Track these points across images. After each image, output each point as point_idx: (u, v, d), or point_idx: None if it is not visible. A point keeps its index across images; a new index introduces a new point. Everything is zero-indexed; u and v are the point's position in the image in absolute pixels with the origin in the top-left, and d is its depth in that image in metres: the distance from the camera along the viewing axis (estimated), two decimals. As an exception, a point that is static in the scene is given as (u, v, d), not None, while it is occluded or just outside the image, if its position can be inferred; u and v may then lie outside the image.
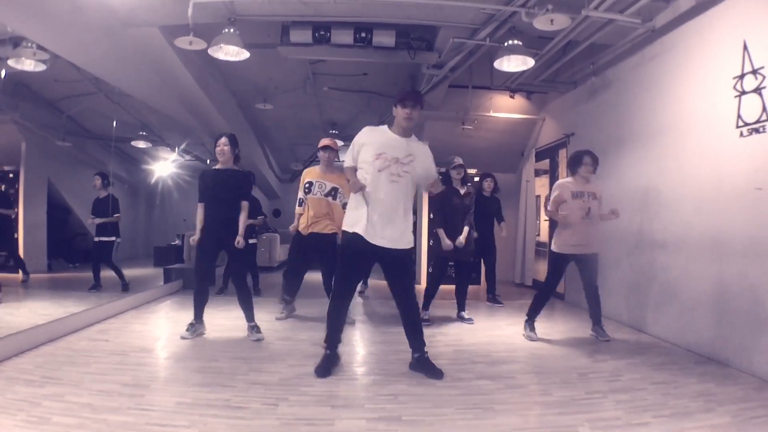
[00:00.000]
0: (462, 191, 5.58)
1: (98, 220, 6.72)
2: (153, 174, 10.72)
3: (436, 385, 3.51)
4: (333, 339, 3.82)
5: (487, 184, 6.94)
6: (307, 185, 5.31)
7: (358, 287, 4.71)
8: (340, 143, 6.65)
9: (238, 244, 4.60)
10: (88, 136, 8.54)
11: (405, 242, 3.70)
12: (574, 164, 4.91)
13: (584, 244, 4.82)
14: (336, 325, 3.81)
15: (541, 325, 5.11)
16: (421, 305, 5.12)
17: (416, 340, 3.82)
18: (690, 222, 4.66)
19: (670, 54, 5.03)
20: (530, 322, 4.97)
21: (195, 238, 4.66)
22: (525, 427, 2.83)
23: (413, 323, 3.85)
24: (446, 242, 5.35)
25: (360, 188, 3.59)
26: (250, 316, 4.79)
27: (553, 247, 4.93)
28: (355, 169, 3.71)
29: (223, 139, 4.72)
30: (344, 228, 3.74)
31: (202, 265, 4.75)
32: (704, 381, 3.68)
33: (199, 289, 4.77)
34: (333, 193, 5.28)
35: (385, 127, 3.78)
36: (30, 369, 3.56)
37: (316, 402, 3.13)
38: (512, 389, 3.46)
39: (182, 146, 10.50)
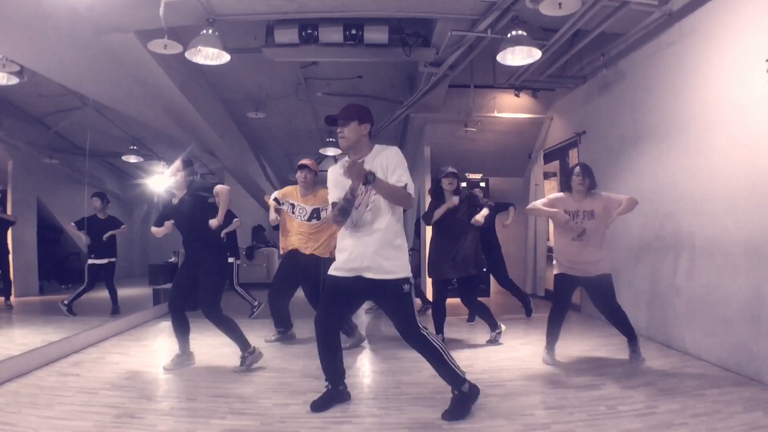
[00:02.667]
0: (455, 203, 5.04)
1: (106, 235, 6.62)
2: (147, 189, 10.43)
3: (443, 427, 3.03)
4: (328, 372, 3.38)
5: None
6: (291, 205, 5.13)
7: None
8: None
9: (211, 225, 4.31)
10: (76, 152, 8.25)
11: (387, 273, 3.15)
12: (566, 179, 4.50)
13: (582, 262, 4.31)
14: (326, 356, 3.34)
15: (559, 344, 4.62)
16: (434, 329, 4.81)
17: (447, 380, 3.28)
18: (722, 224, 4.19)
19: (691, 39, 4.60)
20: (549, 347, 4.47)
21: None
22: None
23: (432, 363, 3.27)
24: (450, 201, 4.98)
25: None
26: (241, 346, 4.33)
27: (554, 270, 4.52)
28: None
29: (176, 163, 4.45)
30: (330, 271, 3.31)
31: (174, 291, 4.46)
32: (751, 409, 3.22)
33: (173, 318, 4.39)
34: (315, 214, 5.07)
35: (345, 159, 3.33)
36: (-12, 412, 3.17)
37: (298, 455, 2.67)
38: (532, 431, 2.97)
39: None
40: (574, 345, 4.95)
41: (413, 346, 3.23)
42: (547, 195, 8.06)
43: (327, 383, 3.38)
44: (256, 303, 6.98)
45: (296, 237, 5.08)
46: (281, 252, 5.36)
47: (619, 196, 4.39)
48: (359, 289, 3.19)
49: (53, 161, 7.69)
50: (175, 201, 4.44)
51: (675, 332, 4.77)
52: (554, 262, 4.53)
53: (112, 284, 6.71)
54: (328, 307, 3.28)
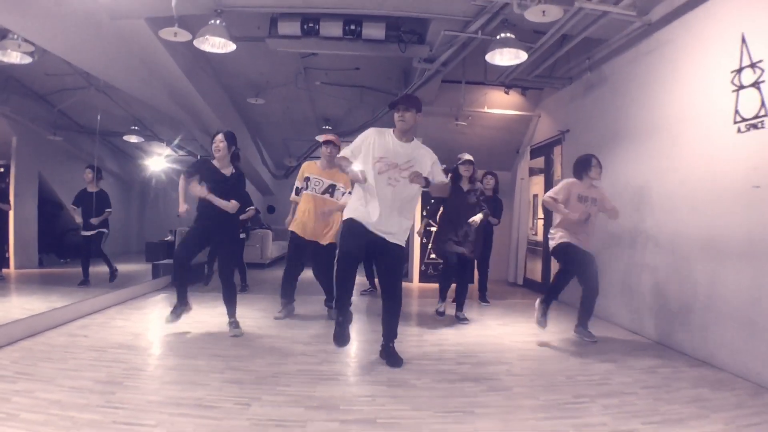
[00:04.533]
0: (465, 188, 5.52)
1: (95, 220, 6.70)
2: (146, 169, 10.62)
3: (417, 386, 3.41)
4: (344, 302, 3.78)
5: (487, 182, 6.78)
6: (305, 180, 5.31)
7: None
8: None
9: (228, 207, 4.49)
10: (80, 131, 8.43)
11: (398, 239, 3.85)
12: (582, 168, 4.82)
13: (582, 241, 4.74)
14: (345, 287, 3.75)
15: (533, 326, 4.99)
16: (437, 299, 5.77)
17: (389, 332, 3.94)
18: (684, 221, 4.55)
19: (666, 48, 4.92)
20: (544, 309, 4.86)
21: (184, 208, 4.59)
22: (505, 432, 2.73)
23: (392, 319, 3.93)
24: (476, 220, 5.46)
25: (358, 178, 3.71)
26: (231, 312, 4.70)
27: (558, 241, 4.81)
28: (349, 162, 3.77)
29: (219, 136, 4.62)
30: (345, 215, 3.87)
31: (182, 250, 4.65)
32: (698, 386, 3.58)
33: (178, 273, 4.70)
34: (330, 190, 5.27)
35: (390, 131, 3.86)
36: (5, 364, 3.47)
37: (289, 402, 3.03)
38: (496, 392, 3.35)
39: (175, 141, 10.41)
40: (547, 327, 5.30)
41: (388, 293, 3.91)
42: (532, 189, 8.46)
43: (340, 317, 3.75)
44: (246, 285, 7.33)
45: (307, 213, 5.22)
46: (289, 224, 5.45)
47: (612, 203, 4.85)
48: (374, 239, 3.77)
49: (56, 138, 7.81)
50: (225, 172, 4.57)
51: (642, 319, 5.14)
52: (554, 237, 4.85)
53: (101, 251, 6.84)
54: (352, 247, 3.73)
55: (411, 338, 4.77)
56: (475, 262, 7.03)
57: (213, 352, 4.05)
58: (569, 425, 2.82)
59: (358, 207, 3.80)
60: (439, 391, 3.33)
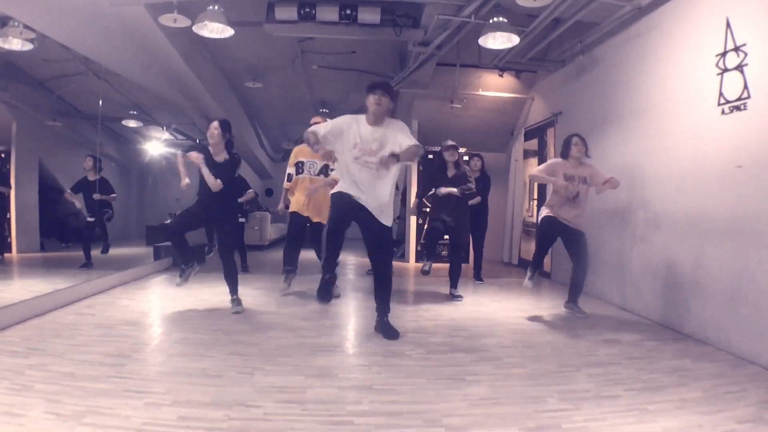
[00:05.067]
0: (450, 174, 5.63)
1: (96, 196, 6.87)
2: (145, 153, 10.71)
3: (412, 356, 3.58)
4: (331, 262, 3.98)
5: (474, 164, 6.95)
6: (298, 165, 5.44)
7: None
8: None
9: (212, 184, 4.60)
10: (79, 116, 8.51)
11: (384, 218, 3.96)
12: (565, 147, 4.97)
13: (569, 219, 4.88)
14: (333, 247, 3.95)
15: (525, 302, 5.19)
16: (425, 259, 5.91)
17: (383, 307, 4.11)
18: (671, 200, 4.70)
19: (656, 32, 5.03)
20: (531, 274, 5.11)
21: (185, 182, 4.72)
22: (493, 397, 2.88)
23: (384, 293, 4.11)
24: (443, 190, 5.57)
25: (324, 151, 3.96)
26: (233, 290, 4.86)
27: (543, 213, 5.00)
28: (317, 139, 3.89)
29: (214, 123, 4.77)
30: (333, 191, 4.04)
31: (176, 224, 4.86)
32: (680, 357, 3.73)
33: (174, 240, 4.82)
34: (324, 170, 5.40)
35: (363, 117, 3.99)
36: (16, 341, 3.61)
37: (291, 371, 3.19)
38: (486, 362, 3.52)
39: (174, 125, 10.49)
40: (540, 304, 5.51)
41: (379, 269, 4.11)
42: (526, 171, 8.58)
43: (327, 275, 3.99)
44: (246, 266, 7.49)
45: (305, 196, 5.36)
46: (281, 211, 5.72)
47: (605, 174, 4.92)
48: (355, 210, 3.92)
49: (56, 124, 7.87)
50: (218, 159, 4.71)
51: (631, 296, 5.30)
52: (541, 211, 5.05)
53: (104, 225, 7.09)
54: (340, 212, 3.93)
55: (407, 314, 4.95)
56: (470, 241, 7.20)
57: (216, 327, 4.21)
58: (553, 391, 2.98)
59: (343, 185, 3.97)
60: (432, 361, 3.50)
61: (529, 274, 5.14)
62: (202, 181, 4.69)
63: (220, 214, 4.72)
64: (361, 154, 3.87)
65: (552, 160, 5.08)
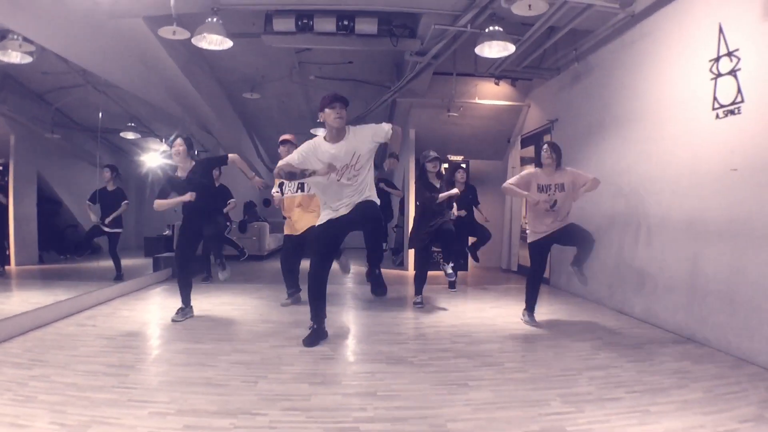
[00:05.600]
0: (437, 184, 5.64)
1: (109, 219, 6.89)
2: (143, 165, 10.71)
3: (414, 363, 3.60)
4: (317, 313, 4.01)
5: (460, 175, 6.94)
6: (281, 185, 5.47)
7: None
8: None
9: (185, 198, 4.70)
10: (77, 128, 8.51)
11: (370, 197, 3.91)
12: (537, 157, 4.93)
13: (554, 225, 4.78)
14: (317, 299, 3.98)
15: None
16: (413, 292, 5.65)
17: (374, 258, 4.07)
18: (668, 204, 4.74)
19: (649, 38, 5.09)
20: (529, 311, 4.96)
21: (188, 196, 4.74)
22: (496, 402, 2.90)
23: (373, 254, 4.04)
24: (449, 193, 5.57)
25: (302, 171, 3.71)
26: (218, 254, 5.12)
27: (529, 240, 4.96)
28: (291, 170, 3.70)
29: (178, 140, 4.82)
30: (318, 223, 4.04)
31: (182, 254, 4.91)
32: (681, 359, 3.76)
33: (181, 275, 4.92)
34: (302, 186, 5.35)
35: (320, 139, 3.89)
36: (18, 353, 3.62)
37: (294, 379, 3.21)
38: (488, 367, 3.54)
39: (172, 137, 10.50)
40: (539, 309, 5.45)
41: (375, 242, 3.98)
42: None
43: (314, 324, 4.03)
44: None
45: (294, 215, 5.41)
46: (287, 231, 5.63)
47: (586, 174, 4.85)
48: (343, 224, 3.87)
49: (54, 136, 7.85)
50: (181, 175, 4.81)
51: (630, 300, 5.32)
52: (528, 233, 5.00)
53: (116, 252, 7.02)
54: (322, 259, 3.92)
55: (407, 321, 4.97)
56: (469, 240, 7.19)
57: (219, 337, 4.22)
58: (556, 394, 3.01)
59: (323, 214, 3.96)
60: (434, 366, 3.52)
61: (526, 314, 4.96)
62: (184, 207, 4.80)
63: (205, 217, 4.84)
64: (341, 174, 3.79)
65: (526, 170, 5.06)
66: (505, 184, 5.03)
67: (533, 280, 4.95)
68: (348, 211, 3.84)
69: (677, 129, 4.66)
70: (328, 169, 3.66)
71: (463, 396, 2.98)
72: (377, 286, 4.02)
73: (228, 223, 7.65)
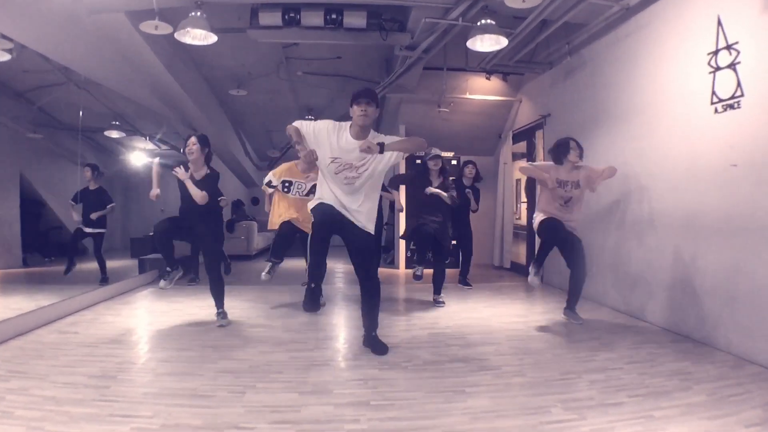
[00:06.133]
0: (435, 183, 5.53)
1: (95, 215, 6.70)
2: (128, 164, 10.53)
3: (408, 369, 3.48)
4: (316, 271, 3.83)
5: (468, 171, 6.83)
6: (285, 183, 5.29)
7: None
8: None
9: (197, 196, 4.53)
10: (60, 128, 8.34)
11: (366, 226, 3.78)
12: (560, 152, 4.75)
13: (565, 220, 4.73)
14: (317, 258, 3.80)
15: (519, 308, 5.11)
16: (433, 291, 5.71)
17: (371, 322, 3.91)
18: (666, 200, 4.66)
19: (645, 31, 4.99)
20: (536, 270, 4.98)
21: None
22: (496, 410, 2.79)
23: (371, 307, 3.89)
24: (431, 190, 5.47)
25: (306, 151, 3.55)
26: (219, 303, 4.77)
27: (537, 220, 4.84)
28: (299, 133, 3.61)
29: (192, 138, 4.64)
30: (312, 202, 3.86)
31: (162, 225, 4.65)
32: (681, 360, 3.67)
33: (159, 242, 4.68)
34: (314, 190, 5.17)
35: (347, 126, 3.69)
36: (-4, 363, 3.47)
37: (284, 389, 3.08)
38: (485, 371, 3.43)
39: (158, 136, 10.32)
40: (534, 308, 5.45)
41: (364, 282, 3.83)
42: (515, 174, 8.54)
43: (312, 284, 3.85)
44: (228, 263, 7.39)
45: (290, 210, 5.24)
46: (271, 227, 5.47)
47: (599, 166, 4.82)
48: (337, 219, 3.71)
49: (36, 136, 7.72)
50: (197, 175, 4.60)
51: (626, 298, 5.25)
52: (535, 218, 4.89)
53: (101, 254, 6.86)
54: (322, 221, 3.74)
55: (399, 323, 4.86)
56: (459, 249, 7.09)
57: (205, 343, 4.08)
58: (557, 400, 2.90)
59: (323, 193, 3.78)
60: (429, 372, 3.41)
61: (533, 270, 5.01)
62: (183, 197, 4.62)
63: (204, 228, 4.63)
64: (342, 169, 3.63)
65: (546, 162, 4.95)
66: (524, 165, 4.97)
67: (543, 248, 5.00)
68: (343, 212, 3.71)
69: (674, 124, 4.56)
70: (305, 156, 3.54)
71: (461, 404, 2.86)
72: (379, 349, 3.83)
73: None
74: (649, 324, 4.74)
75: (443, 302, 5.61)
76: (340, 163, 3.62)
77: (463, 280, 6.95)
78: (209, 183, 4.62)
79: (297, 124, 3.68)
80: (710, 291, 4.09)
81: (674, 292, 4.50)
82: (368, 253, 3.88)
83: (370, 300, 3.88)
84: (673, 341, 4.18)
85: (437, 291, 5.70)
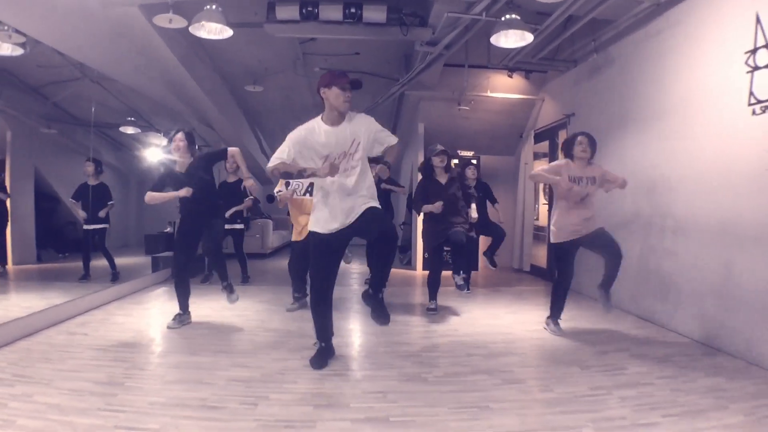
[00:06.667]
0: (443, 180, 5.31)
1: (102, 212, 6.64)
2: (143, 160, 10.49)
3: (429, 380, 3.31)
4: (323, 332, 3.63)
5: (471, 172, 6.63)
6: (285, 184, 5.18)
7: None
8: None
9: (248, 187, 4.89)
10: (75, 123, 8.32)
11: (370, 203, 3.46)
12: (568, 147, 4.57)
13: (584, 224, 4.48)
14: (322, 318, 3.60)
15: (541, 313, 4.90)
16: (425, 296, 5.31)
17: (379, 279, 3.65)
18: (698, 205, 4.44)
19: (677, 29, 4.77)
20: (553, 319, 4.63)
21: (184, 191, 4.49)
22: (523, 429, 2.62)
23: (383, 257, 3.60)
24: (431, 207, 5.08)
25: (331, 169, 3.27)
26: (223, 276, 4.83)
27: (552, 240, 4.61)
28: (289, 165, 3.33)
29: (179, 135, 4.58)
30: (313, 229, 3.50)
31: (181, 255, 4.65)
32: (714, 375, 3.48)
33: (178, 279, 4.67)
34: (310, 189, 5.08)
35: (317, 121, 3.44)
36: (2, 366, 3.38)
37: (298, 401, 2.93)
38: (510, 385, 3.25)
39: (173, 132, 10.27)
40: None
41: (386, 247, 3.52)
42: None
43: (321, 343, 3.64)
44: (247, 276, 7.24)
45: (304, 219, 5.07)
46: (296, 237, 5.30)
47: (615, 174, 4.57)
48: (343, 237, 3.46)
49: (51, 131, 7.71)
50: (180, 170, 4.58)
51: (654, 307, 5.02)
52: (552, 232, 4.61)
53: (106, 249, 6.78)
54: (324, 277, 3.51)
55: (418, 329, 4.69)
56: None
57: (217, 348, 3.95)
58: (587, 419, 2.72)
59: (320, 216, 3.46)
60: (451, 385, 3.23)
61: (551, 322, 4.63)
62: (183, 203, 4.63)
63: (207, 220, 4.66)
64: (339, 163, 3.34)
65: (556, 162, 4.69)
66: (533, 172, 4.72)
67: (559, 287, 4.62)
68: (349, 221, 3.40)
69: (708, 125, 4.34)
70: (330, 170, 3.21)
71: (486, 422, 2.69)
72: (380, 314, 3.56)
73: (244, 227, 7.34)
74: (679, 334, 4.53)
75: (464, 285, 5.32)
76: (335, 158, 3.35)
77: (491, 257, 6.70)
78: (199, 168, 4.57)
79: (274, 161, 3.36)
80: (745, 302, 3.87)
81: (706, 302, 4.28)
82: (376, 220, 3.44)
83: (385, 247, 3.53)
84: (705, 354, 3.97)
85: (457, 272, 5.36)
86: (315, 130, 3.39)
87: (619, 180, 4.50)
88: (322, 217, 3.44)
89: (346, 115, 3.41)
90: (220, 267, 4.98)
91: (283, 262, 5.59)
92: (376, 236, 3.50)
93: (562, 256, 4.58)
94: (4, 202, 6.54)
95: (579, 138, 4.52)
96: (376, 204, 3.48)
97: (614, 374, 3.46)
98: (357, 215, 3.40)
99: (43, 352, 3.73)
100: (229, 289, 4.94)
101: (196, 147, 4.71)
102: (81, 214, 6.69)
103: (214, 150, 5.03)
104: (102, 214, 6.63)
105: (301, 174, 3.27)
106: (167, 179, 4.62)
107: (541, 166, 4.73)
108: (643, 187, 5.17)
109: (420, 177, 5.50)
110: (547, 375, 3.46)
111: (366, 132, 3.42)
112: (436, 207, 5.06)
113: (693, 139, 4.53)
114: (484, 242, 7.28)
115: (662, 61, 4.99)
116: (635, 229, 5.33)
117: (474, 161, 7.61)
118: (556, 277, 4.71)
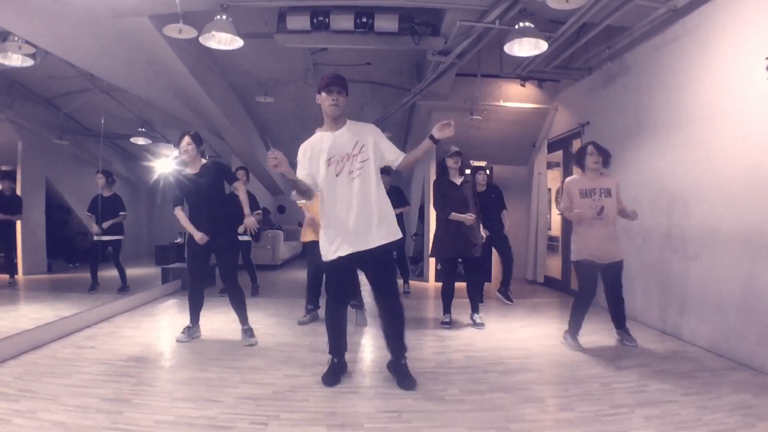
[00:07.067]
0: (458, 182, 5.21)
1: (106, 224, 6.61)
2: (154, 171, 10.49)
3: (445, 399, 3.19)
4: (336, 347, 3.56)
5: (481, 177, 6.53)
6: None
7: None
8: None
9: (248, 226, 4.54)
10: (86, 134, 8.34)
11: (384, 235, 3.37)
12: (579, 158, 4.51)
13: (604, 249, 4.36)
14: (336, 332, 3.54)
15: (558, 327, 4.78)
16: (440, 309, 5.25)
17: (396, 347, 3.51)
18: (719, 215, 4.30)
19: (694, 35, 4.67)
20: (572, 334, 4.49)
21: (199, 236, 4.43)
22: (545, 451, 2.51)
23: (394, 328, 3.51)
24: (463, 217, 5.00)
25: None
26: (243, 319, 4.56)
27: (573, 257, 4.51)
28: (310, 178, 3.40)
29: (186, 138, 4.47)
30: (323, 256, 3.45)
31: (194, 266, 4.59)
32: (740, 391, 3.34)
33: (193, 291, 4.59)
34: None
35: (317, 132, 3.51)
36: (8, 380, 3.32)
37: (310, 420, 2.82)
38: (529, 403, 3.13)
39: (178, 136, 10.27)
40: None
41: (391, 306, 3.46)
42: (549, 183, 8.22)
43: (333, 358, 3.55)
44: (257, 285, 7.15)
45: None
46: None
47: (626, 204, 4.50)
48: (355, 260, 3.39)
49: (62, 142, 7.72)
50: (192, 171, 4.47)
51: (671, 318, 4.89)
52: (572, 249, 4.52)
53: (119, 262, 6.78)
54: (337, 296, 3.50)
55: (433, 343, 4.58)
56: (497, 255, 6.74)
57: (226, 363, 3.86)
58: (612, 442, 2.60)
59: (327, 238, 3.39)
60: (469, 404, 3.11)
61: (569, 337, 4.48)
62: (192, 202, 4.52)
63: (217, 236, 4.45)
64: (342, 165, 3.31)
65: (566, 181, 4.60)
66: (561, 208, 4.69)
67: (579, 303, 4.49)
68: (362, 247, 3.33)
69: (730, 133, 4.22)
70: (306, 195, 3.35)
71: (506, 444, 2.58)
72: (405, 381, 3.39)
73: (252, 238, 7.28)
74: (700, 348, 4.38)
75: (483, 324, 5.21)
76: (337, 161, 3.32)
77: (505, 293, 6.59)
78: (210, 172, 4.47)
79: (299, 174, 3.39)
80: (770, 315, 3.73)
81: (729, 316, 4.14)
82: (384, 269, 3.46)
83: (395, 318, 3.48)
84: (729, 369, 3.84)
85: (475, 309, 5.32)
86: (316, 139, 3.45)
87: (628, 211, 4.44)
88: (329, 239, 3.40)
89: (346, 121, 3.43)
90: (238, 304, 4.56)
91: (293, 273, 5.51)
92: (378, 304, 3.54)
93: (584, 273, 4.48)
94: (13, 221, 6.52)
95: (589, 148, 4.45)
96: (394, 237, 3.42)
97: (636, 392, 3.32)
98: (371, 246, 3.34)
99: (49, 366, 3.66)
100: (248, 333, 4.52)
101: (204, 147, 4.65)
102: (94, 228, 6.67)
103: (229, 169, 4.96)
104: (106, 225, 6.60)
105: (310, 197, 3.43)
106: (182, 186, 4.50)
107: (563, 203, 4.57)
108: (661, 197, 5.05)
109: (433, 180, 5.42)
110: (567, 393, 3.32)
111: (372, 139, 3.41)
112: (467, 218, 5.00)
113: (714, 146, 4.41)
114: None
115: (680, 68, 4.88)
116: (653, 240, 5.21)
117: (487, 171, 7.51)
118: (578, 292, 4.59)
